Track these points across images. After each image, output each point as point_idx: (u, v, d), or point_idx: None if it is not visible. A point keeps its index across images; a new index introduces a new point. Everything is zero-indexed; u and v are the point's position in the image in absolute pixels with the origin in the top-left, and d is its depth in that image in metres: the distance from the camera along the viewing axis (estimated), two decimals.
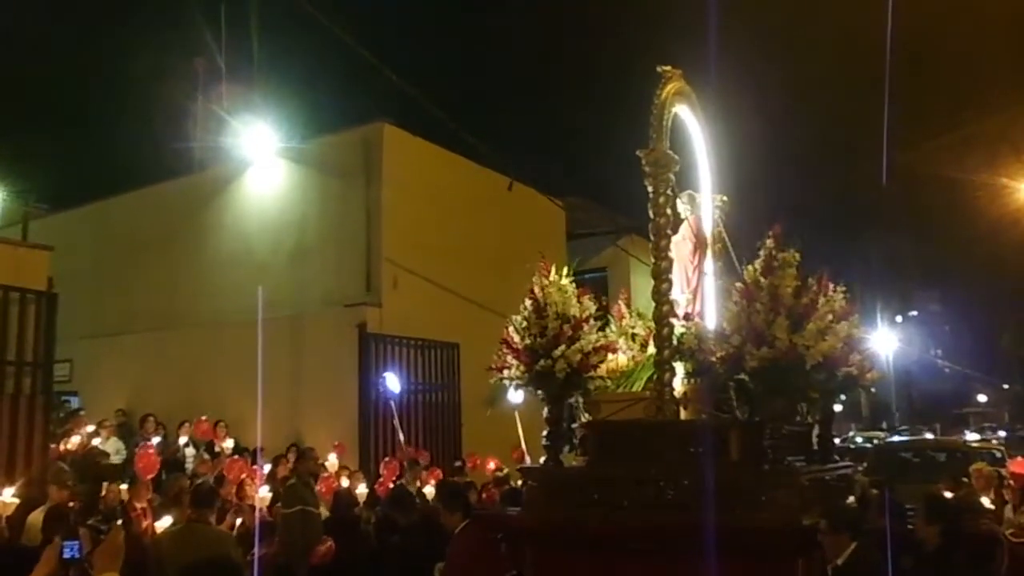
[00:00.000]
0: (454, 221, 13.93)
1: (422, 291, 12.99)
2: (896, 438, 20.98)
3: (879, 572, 5.03)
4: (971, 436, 21.05)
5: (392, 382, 9.76)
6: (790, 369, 4.94)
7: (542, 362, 5.46)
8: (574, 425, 5.74)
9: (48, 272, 9.58)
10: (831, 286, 6.11)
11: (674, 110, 6.06)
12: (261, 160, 14.16)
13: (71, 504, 6.79)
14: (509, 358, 5.68)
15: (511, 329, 5.71)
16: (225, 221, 14.64)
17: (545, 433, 5.64)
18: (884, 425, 34.41)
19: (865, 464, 13.70)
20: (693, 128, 6.50)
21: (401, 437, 9.23)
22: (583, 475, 5.50)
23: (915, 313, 45.28)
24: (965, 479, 8.73)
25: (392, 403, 9.43)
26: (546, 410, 5.65)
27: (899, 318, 42.27)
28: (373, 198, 12.97)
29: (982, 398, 44.02)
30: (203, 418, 11.76)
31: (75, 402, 13.91)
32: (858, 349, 5.94)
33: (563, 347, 5.46)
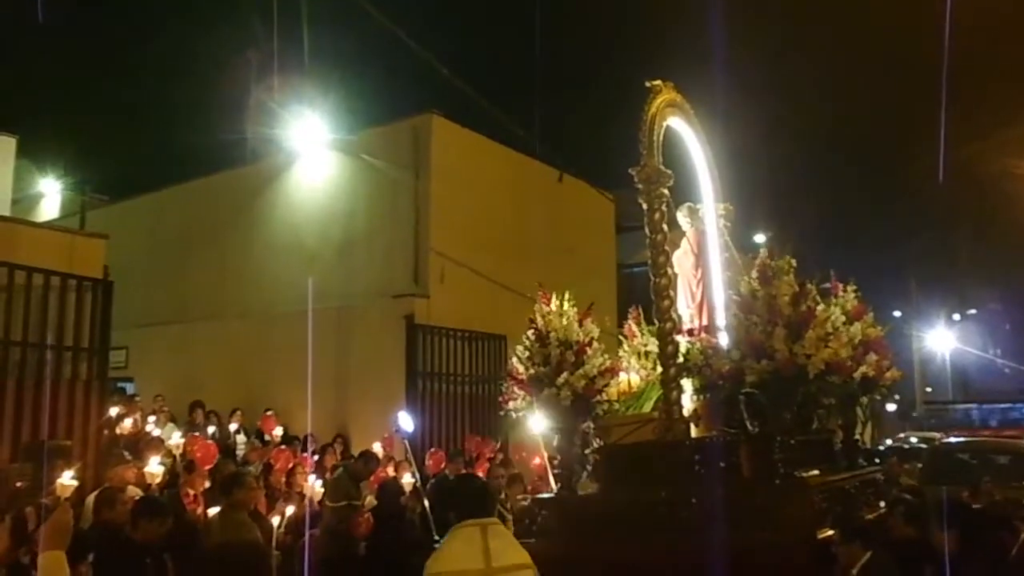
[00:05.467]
0: (502, 213, 13.88)
1: (470, 283, 12.97)
2: (953, 439, 20.36)
3: None
4: None
5: (406, 421, 9.60)
6: (792, 380, 4.81)
7: (547, 391, 5.37)
8: (587, 451, 5.65)
9: (104, 260, 9.76)
10: (840, 287, 5.95)
11: (666, 123, 5.93)
12: (311, 151, 14.27)
13: (18, 484, 6.77)
14: (515, 389, 5.60)
15: (515, 360, 5.64)
16: (275, 212, 14.79)
17: (557, 462, 5.57)
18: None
19: (920, 466, 13.31)
20: (689, 140, 6.36)
21: (417, 478, 9.06)
22: (595, 502, 5.41)
23: (974, 311, 43.98)
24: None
25: (406, 442, 9.28)
26: (556, 439, 5.56)
27: (957, 316, 41.10)
28: (421, 189, 12.98)
29: None
30: (268, 412, 11.83)
31: (131, 388, 14.23)
32: (875, 348, 5.76)
33: (567, 374, 5.37)
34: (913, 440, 24.98)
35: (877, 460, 8.46)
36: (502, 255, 13.52)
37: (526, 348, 5.61)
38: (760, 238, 6.46)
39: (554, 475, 5.74)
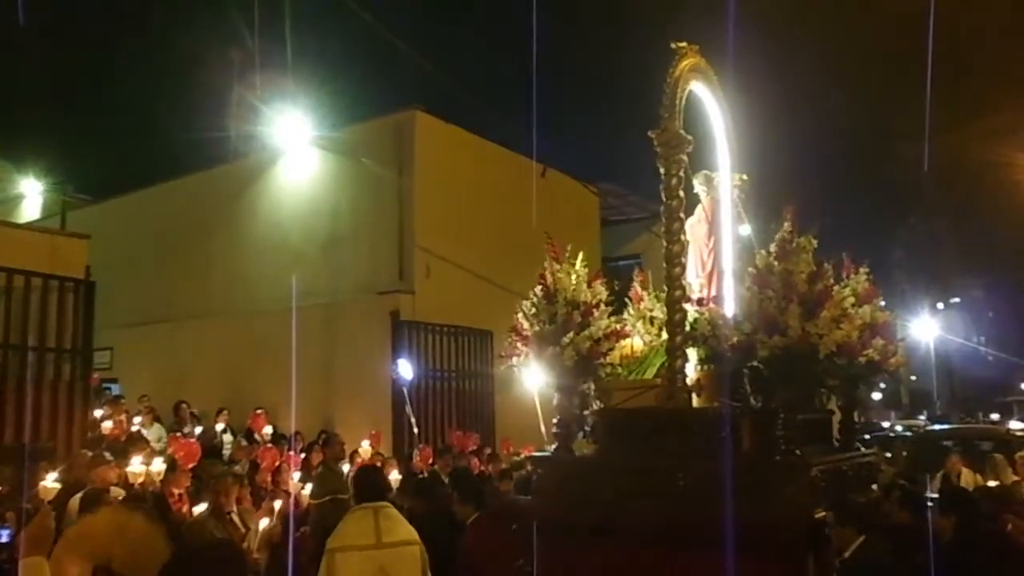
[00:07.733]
0: (487, 208, 13.87)
1: (455, 278, 12.97)
2: (937, 426, 20.55)
3: (886, 567, 4.90)
4: (1016, 424, 20.51)
5: (405, 369, 9.61)
6: (802, 358, 4.80)
7: (550, 349, 5.36)
8: (586, 412, 5.63)
9: (86, 260, 9.71)
10: (854, 267, 5.94)
11: (689, 87, 5.87)
12: (295, 148, 14.22)
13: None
14: (519, 345, 5.58)
15: (520, 316, 5.60)
16: (260, 210, 14.74)
17: (555, 421, 5.56)
18: (925, 413, 33.72)
19: (905, 454, 13.42)
20: (710, 106, 6.31)
21: (416, 430, 9.12)
22: (592, 463, 5.43)
23: (957, 300, 44.23)
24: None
25: (405, 390, 9.30)
26: (556, 397, 5.54)
27: (941, 305, 41.33)
28: (406, 185, 12.96)
29: None
30: (259, 411, 11.78)
31: (116, 389, 14.15)
32: (882, 333, 5.76)
33: (572, 334, 5.35)
34: (899, 428, 25.19)
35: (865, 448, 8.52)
36: (487, 250, 13.52)
37: (532, 304, 5.57)
38: (746, 230, 6.39)
39: (552, 434, 5.70)
